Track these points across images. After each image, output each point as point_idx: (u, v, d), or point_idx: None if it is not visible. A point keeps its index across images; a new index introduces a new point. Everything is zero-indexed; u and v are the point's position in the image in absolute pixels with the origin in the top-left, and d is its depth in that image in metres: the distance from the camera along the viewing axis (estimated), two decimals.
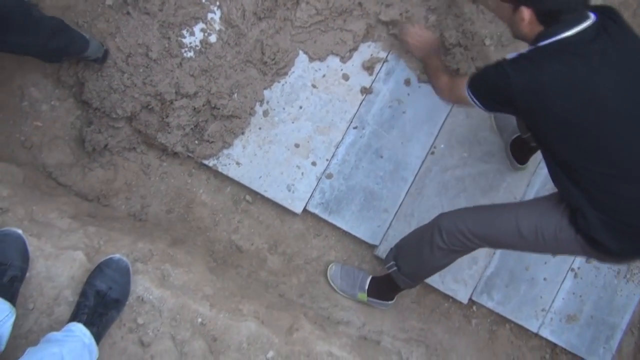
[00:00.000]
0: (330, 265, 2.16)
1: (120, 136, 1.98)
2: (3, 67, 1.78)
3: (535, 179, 2.29)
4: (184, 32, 2.00)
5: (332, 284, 2.16)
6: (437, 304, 2.27)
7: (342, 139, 2.15)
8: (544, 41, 1.38)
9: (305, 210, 2.12)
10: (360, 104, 2.16)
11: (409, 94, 2.19)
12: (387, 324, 2.18)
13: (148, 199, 2.01)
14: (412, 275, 1.86)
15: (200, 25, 2.01)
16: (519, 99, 1.38)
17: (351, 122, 2.15)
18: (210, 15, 2.02)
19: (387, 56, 2.17)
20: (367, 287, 2.08)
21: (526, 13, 1.38)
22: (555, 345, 2.37)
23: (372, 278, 2.08)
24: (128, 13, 1.97)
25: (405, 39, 2.02)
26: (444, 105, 2.18)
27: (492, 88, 1.46)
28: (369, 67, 2.15)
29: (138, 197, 1.99)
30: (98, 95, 1.91)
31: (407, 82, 2.19)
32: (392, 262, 1.87)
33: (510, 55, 1.43)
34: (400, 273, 1.85)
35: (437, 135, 2.21)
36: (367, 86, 2.17)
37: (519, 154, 2.17)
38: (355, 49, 2.14)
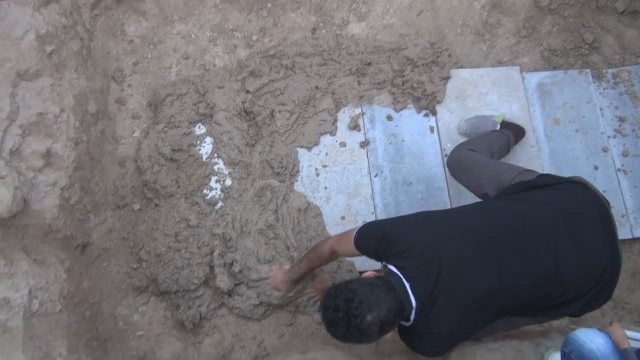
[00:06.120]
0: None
1: (207, 300, 2.16)
2: (92, 304, 1.98)
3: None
4: (205, 191, 2.28)
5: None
6: None
7: (372, 190, 2.37)
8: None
9: None
10: (367, 156, 2.41)
11: (396, 125, 2.46)
12: None
13: (258, 337, 2.14)
14: None
15: (214, 177, 2.29)
16: None
17: (369, 173, 2.39)
18: (216, 167, 2.31)
19: (361, 109, 2.47)
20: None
21: None
22: None
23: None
24: (157, 205, 2.25)
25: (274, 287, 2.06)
26: (426, 119, 2.46)
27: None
28: (354, 125, 2.43)
29: (250, 340, 2.12)
30: (171, 280, 2.12)
31: (389, 118, 2.47)
32: None
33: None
34: None
35: (439, 140, 2.45)
36: (363, 140, 2.44)
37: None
38: (335, 120, 2.44)
